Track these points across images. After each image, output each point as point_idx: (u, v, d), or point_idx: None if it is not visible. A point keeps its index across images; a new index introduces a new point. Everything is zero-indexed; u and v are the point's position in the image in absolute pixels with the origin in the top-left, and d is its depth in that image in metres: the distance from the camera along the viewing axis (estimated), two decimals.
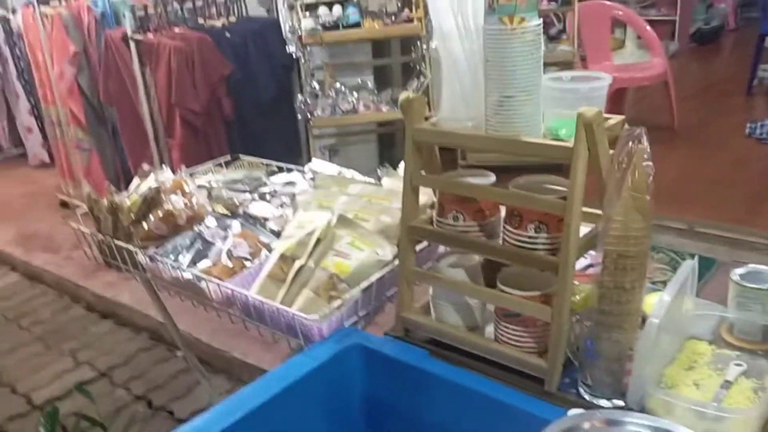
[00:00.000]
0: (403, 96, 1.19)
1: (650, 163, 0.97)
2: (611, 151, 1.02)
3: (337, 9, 3.87)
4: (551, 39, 4.74)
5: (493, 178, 1.23)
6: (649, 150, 0.98)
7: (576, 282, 1.25)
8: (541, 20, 1.06)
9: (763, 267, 1.17)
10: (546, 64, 1.09)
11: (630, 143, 0.98)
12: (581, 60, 4.56)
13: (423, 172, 1.25)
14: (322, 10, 3.87)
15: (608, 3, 4.88)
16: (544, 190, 1.15)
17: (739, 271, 1.17)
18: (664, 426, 0.85)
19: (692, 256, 1.23)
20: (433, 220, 1.26)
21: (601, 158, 1.02)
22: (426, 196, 1.41)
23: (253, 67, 3.83)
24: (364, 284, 1.37)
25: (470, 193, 1.19)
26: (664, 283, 1.35)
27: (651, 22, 5.74)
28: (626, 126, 1.04)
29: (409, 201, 1.24)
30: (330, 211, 1.56)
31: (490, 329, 1.23)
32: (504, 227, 1.17)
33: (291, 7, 3.85)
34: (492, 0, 1.04)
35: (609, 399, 1.04)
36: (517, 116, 1.08)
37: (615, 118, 1.08)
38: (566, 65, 3.92)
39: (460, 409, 1.15)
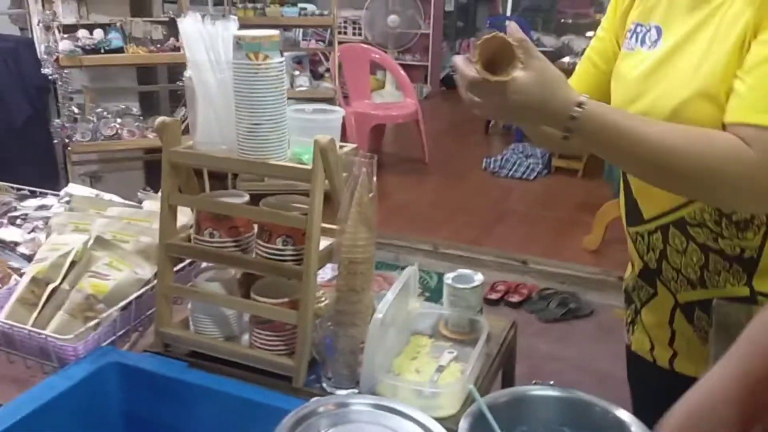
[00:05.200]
0: (159, 120, 1.26)
1: (374, 181, 1.15)
2: (345, 174, 1.20)
3: (98, 33, 3.76)
4: (317, 77, 5.03)
5: (246, 197, 1.35)
6: (374, 172, 1.17)
7: (323, 291, 1.41)
8: (292, 57, 1.21)
9: (468, 270, 1.42)
10: (311, 99, 1.24)
11: (361, 167, 1.16)
12: (344, 97, 4.89)
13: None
14: (82, 32, 3.73)
15: (366, 47, 5.29)
16: (290, 208, 1.29)
17: (451, 274, 1.41)
18: (382, 402, 1.02)
19: (439, 275, 1.44)
20: (191, 238, 1.34)
21: (335, 179, 1.19)
22: (187, 217, 1.48)
23: (2, 87, 3.57)
24: (122, 303, 1.39)
25: (224, 211, 1.29)
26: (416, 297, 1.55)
27: (407, 67, 6.30)
28: (360, 153, 1.23)
29: (167, 220, 1.31)
30: (87, 233, 1.56)
31: (246, 337, 1.34)
32: (256, 242, 1.29)
33: (47, 28, 3.66)
34: (239, 37, 1.17)
35: (347, 388, 1.20)
36: (265, 142, 1.21)
37: (348, 146, 1.26)
38: (329, 101, 4.19)
39: (219, 413, 1.23)
